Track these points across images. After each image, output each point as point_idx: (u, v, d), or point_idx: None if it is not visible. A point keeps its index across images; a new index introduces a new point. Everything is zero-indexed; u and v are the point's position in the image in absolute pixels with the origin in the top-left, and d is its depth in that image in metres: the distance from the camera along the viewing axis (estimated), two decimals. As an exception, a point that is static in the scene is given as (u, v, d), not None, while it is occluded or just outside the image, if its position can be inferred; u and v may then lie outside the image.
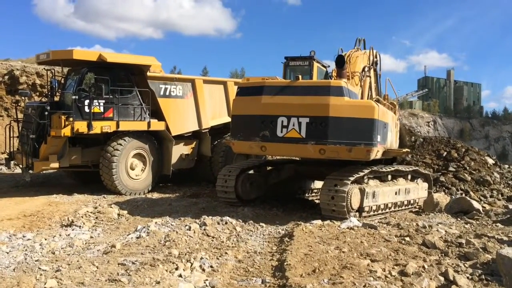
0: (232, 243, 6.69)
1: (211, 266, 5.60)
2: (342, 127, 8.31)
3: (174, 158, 12.73)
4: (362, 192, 8.72)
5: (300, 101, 8.58)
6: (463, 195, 11.59)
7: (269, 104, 8.80)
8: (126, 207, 9.63)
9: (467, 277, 5.02)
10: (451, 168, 13.10)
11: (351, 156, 8.36)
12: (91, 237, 7.26)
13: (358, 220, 8.16)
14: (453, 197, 10.98)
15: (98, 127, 11.00)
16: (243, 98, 9.33)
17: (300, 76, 9.01)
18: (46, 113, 10.69)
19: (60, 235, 7.26)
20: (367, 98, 11.04)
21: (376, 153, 8.63)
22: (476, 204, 9.59)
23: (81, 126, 10.70)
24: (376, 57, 12.08)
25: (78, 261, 5.73)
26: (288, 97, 8.74)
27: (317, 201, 10.86)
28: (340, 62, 9.42)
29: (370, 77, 11.35)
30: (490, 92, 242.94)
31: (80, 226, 7.84)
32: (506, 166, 15.34)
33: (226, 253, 6.14)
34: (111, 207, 9.36)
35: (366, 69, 11.05)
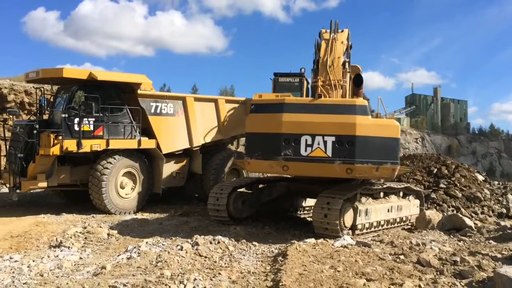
0: (225, 263, 6.58)
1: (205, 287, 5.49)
2: (368, 146, 8.23)
3: (165, 176, 12.60)
4: (355, 209, 8.68)
5: (324, 119, 8.38)
6: (455, 211, 11.62)
7: (291, 122, 8.51)
8: (116, 227, 9.47)
9: (464, 296, 4.99)
10: (442, 185, 13.14)
11: (377, 175, 8.39)
12: (81, 258, 7.09)
13: (352, 238, 8.11)
14: (445, 214, 10.99)
15: (88, 145, 10.87)
16: (259, 115, 8.98)
17: (322, 94, 8.92)
18: (35, 131, 10.56)
19: (48, 257, 7.08)
20: (348, 91, 10.63)
21: (398, 171, 8.65)
22: (468, 221, 9.61)
23: (70, 144, 10.58)
24: (348, 40, 11.34)
25: (67, 283, 5.57)
26: (312, 115, 8.48)
27: (309, 219, 10.79)
28: (358, 81, 9.41)
29: (350, 72, 10.91)
30: (477, 109, 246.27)
31: (69, 247, 7.65)
32: (496, 182, 15.47)
33: (219, 273, 6.02)
34: (100, 227, 9.19)
35: (347, 65, 10.67)
